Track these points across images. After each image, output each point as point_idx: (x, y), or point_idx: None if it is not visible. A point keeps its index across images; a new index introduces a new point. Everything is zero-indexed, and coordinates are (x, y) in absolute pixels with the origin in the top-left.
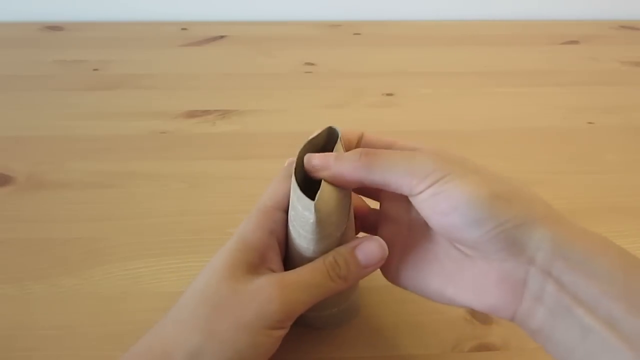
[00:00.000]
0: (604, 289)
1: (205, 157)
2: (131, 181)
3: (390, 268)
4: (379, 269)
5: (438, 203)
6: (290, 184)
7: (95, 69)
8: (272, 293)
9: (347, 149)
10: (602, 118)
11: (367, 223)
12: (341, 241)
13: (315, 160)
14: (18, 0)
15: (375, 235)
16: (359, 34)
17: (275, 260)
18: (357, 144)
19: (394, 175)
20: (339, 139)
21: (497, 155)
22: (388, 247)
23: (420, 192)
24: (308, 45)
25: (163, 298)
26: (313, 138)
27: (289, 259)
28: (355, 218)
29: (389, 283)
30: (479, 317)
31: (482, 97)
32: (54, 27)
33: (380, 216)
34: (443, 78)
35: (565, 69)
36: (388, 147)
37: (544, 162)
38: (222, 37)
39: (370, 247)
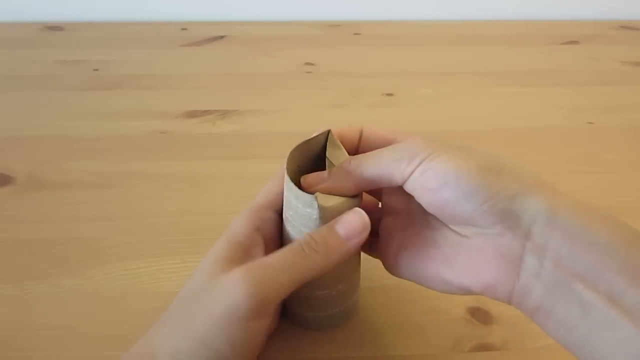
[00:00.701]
0: (604, 261)
1: (205, 157)
2: (131, 181)
3: (388, 258)
4: (380, 263)
5: (428, 180)
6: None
7: (95, 69)
8: (240, 281)
9: (349, 147)
10: (602, 118)
11: (373, 219)
12: None
13: (309, 179)
14: (18, 0)
15: (377, 228)
16: (359, 34)
17: (260, 256)
18: (359, 141)
19: (383, 165)
20: (327, 143)
21: None
22: (387, 238)
23: (411, 174)
24: (308, 45)
25: (163, 298)
26: (310, 139)
27: None
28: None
29: (389, 283)
30: (479, 317)
31: (482, 97)
32: (54, 27)
33: (382, 210)
34: (443, 78)
35: (565, 69)
36: (387, 143)
37: (544, 162)
38: (222, 37)
39: (349, 219)
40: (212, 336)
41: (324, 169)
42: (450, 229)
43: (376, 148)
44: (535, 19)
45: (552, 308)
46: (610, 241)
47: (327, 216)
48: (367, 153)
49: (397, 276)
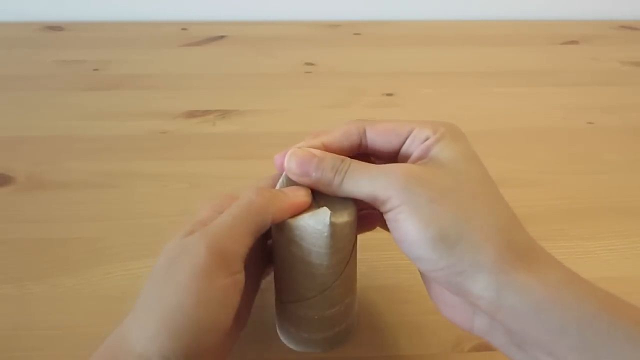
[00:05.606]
0: (555, 339)
1: (205, 157)
2: (131, 181)
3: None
4: (378, 262)
5: (393, 230)
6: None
7: (95, 69)
8: (198, 239)
9: (351, 153)
10: (602, 118)
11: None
12: (352, 255)
13: (293, 165)
14: (18, 0)
15: None
16: (359, 34)
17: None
18: (363, 143)
19: (362, 194)
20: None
21: (497, 155)
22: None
23: (384, 213)
24: (308, 45)
25: None
26: None
27: (295, 282)
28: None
29: (388, 283)
30: None
31: (482, 97)
32: (54, 27)
33: None
34: (443, 78)
35: (565, 69)
36: (396, 135)
37: (544, 162)
38: (222, 37)
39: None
40: (184, 303)
41: None
42: None
43: (386, 142)
44: (535, 19)
45: (510, 355)
46: (563, 323)
47: (336, 232)
48: (352, 167)
49: None
